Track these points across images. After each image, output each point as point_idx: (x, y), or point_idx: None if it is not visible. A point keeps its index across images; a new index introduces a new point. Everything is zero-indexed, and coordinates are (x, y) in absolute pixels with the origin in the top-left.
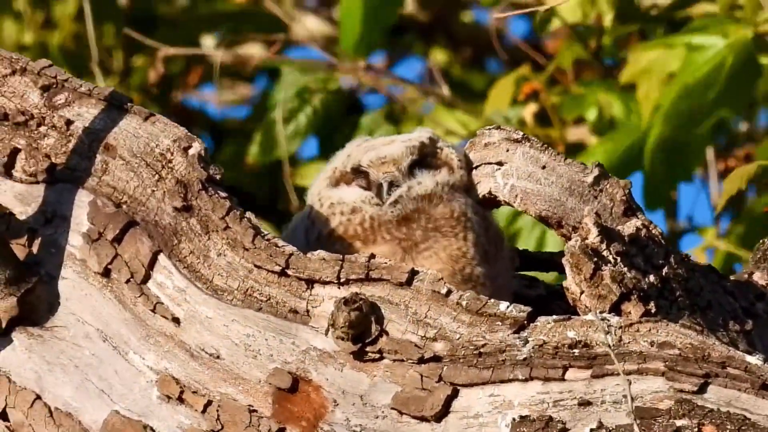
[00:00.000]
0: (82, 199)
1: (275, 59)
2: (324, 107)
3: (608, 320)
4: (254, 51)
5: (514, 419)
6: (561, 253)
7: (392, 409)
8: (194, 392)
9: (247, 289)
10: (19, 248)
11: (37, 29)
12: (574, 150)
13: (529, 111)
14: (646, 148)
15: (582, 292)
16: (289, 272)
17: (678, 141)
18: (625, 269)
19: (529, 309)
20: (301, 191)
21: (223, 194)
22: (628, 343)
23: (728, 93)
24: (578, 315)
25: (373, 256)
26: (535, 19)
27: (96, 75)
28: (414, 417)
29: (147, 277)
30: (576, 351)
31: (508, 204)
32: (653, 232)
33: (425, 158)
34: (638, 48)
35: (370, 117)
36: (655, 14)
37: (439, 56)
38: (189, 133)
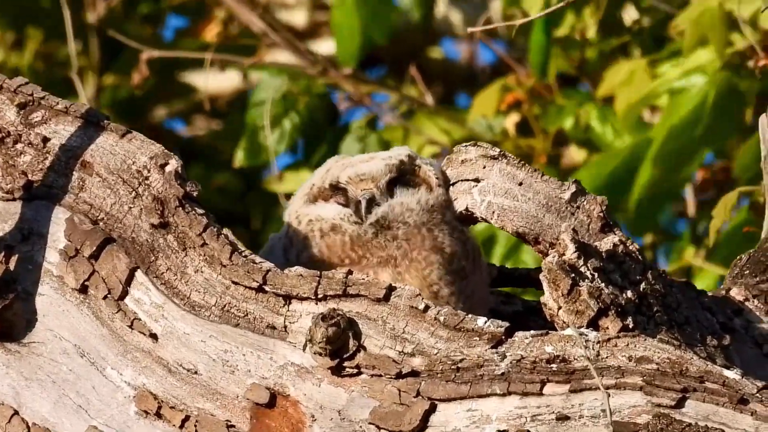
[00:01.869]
0: (59, 216)
1: (258, 65)
2: (309, 111)
3: (586, 335)
4: (229, 81)
5: None
6: (538, 269)
7: (370, 424)
8: (172, 408)
9: (225, 305)
10: None
11: (7, 49)
12: (556, 161)
13: (511, 121)
14: (637, 182)
15: (559, 308)
16: (267, 288)
17: (668, 181)
18: (603, 285)
19: (506, 324)
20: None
21: (200, 211)
22: (606, 357)
23: (714, 127)
24: (556, 330)
25: (350, 272)
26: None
27: (76, 83)
28: None
29: (124, 294)
30: (554, 366)
31: (485, 221)
32: (630, 248)
33: (404, 176)
34: (618, 62)
35: (357, 123)
36: (637, 30)
37: (411, 92)
38: (166, 150)
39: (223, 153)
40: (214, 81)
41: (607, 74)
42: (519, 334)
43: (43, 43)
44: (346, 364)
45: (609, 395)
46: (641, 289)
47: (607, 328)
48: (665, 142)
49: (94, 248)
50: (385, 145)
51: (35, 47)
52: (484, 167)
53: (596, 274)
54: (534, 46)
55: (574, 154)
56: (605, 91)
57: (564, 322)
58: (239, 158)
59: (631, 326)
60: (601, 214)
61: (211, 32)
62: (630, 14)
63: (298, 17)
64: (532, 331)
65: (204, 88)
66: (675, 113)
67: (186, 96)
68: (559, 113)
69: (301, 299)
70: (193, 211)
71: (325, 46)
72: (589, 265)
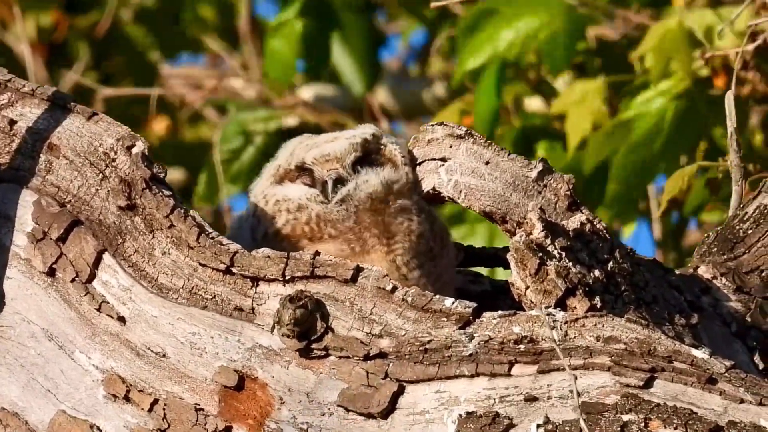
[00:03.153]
0: (27, 199)
1: (219, 98)
2: (265, 146)
3: (554, 315)
4: (176, 176)
5: (460, 415)
6: (506, 249)
7: (339, 406)
8: (140, 391)
9: (192, 288)
10: None
11: None
12: None
13: None
14: (606, 196)
15: (527, 288)
16: (234, 270)
17: (627, 194)
18: (570, 264)
19: (474, 305)
20: None
21: (167, 192)
22: (574, 338)
23: (672, 142)
24: (524, 310)
25: (318, 253)
26: (455, 76)
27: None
28: (360, 414)
29: (92, 276)
30: (522, 346)
31: (452, 200)
32: (598, 226)
33: (369, 155)
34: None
35: None
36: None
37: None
38: (132, 132)
39: None
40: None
41: (563, 92)
42: (487, 315)
43: None
44: (314, 346)
45: (576, 377)
46: (609, 267)
47: (575, 307)
48: (624, 156)
49: (62, 231)
50: None
51: None
52: (451, 146)
53: (564, 253)
54: (480, 115)
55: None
56: (558, 108)
57: (532, 302)
58: (198, 195)
59: (598, 306)
60: (568, 193)
61: (160, 125)
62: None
63: (249, 92)
64: (499, 312)
65: None
66: (635, 132)
67: None
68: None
69: (269, 281)
70: (160, 193)
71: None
72: (556, 244)
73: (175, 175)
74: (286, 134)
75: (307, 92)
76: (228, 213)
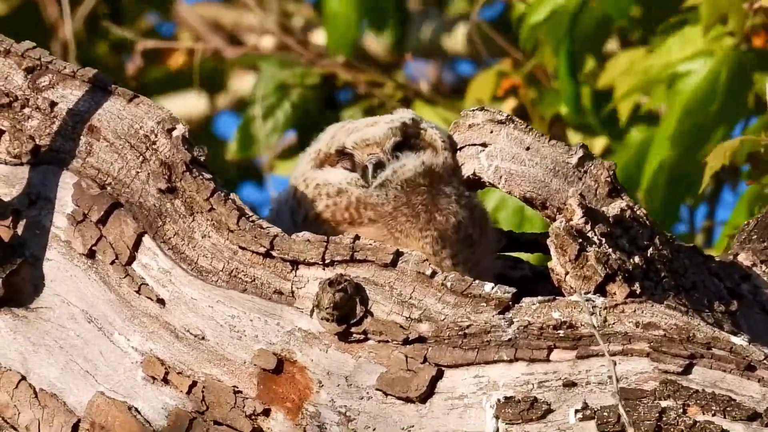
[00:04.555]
0: (67, 181)
1: (253, 54)
2: (302, 102)
3: (593, 301)
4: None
5: (498, 400)
6: (546, 234)
7: (377, 390)
8: (179, 373)
9: (232, 271)
10: (3, 229)
11: None
12: None
13: (508, 107)
14: (647, 169)
15: (567, 273)
16: (274, 253)
17: (685, 163)
18: (610, 250)
19: (513, 290)
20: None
21: (208, 176)
22: (613, 324)
23: (727, 104)
24: (563, 296)
25: (357, 237)
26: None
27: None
28: (399, 398)
29: (132, 259)
30: (561, 332)
31: (493, 185)
32: (638, 213)
33: (409, 139)
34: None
35: (349, 112)
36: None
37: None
38: (173, 115)
39: None
40: (183, 106)
41: (608, 65)
42: (526, 300)
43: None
44: (353, 329)
45: (615, 363)
46: (649, 254)
47: (615, 293)
48: (679, 122)
49: (102, 213)
50: None
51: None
52: (492, 132)
53: (603, 240)
54: (565, 93)
55: (571, 138)
56: (605, 81)
57: (571, 288)
58: (232, 150)
59: (638, 292)
60: (609, 179)
61: (177, 61)
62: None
63: (266, 42)
64: (539, 297)
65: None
66: (684, 93)
67: None
68: (556, 99)
69: (309, 264)
70: (201, 176)
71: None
72: (596, 230)
73: (194, 106)
74: (320, 92)
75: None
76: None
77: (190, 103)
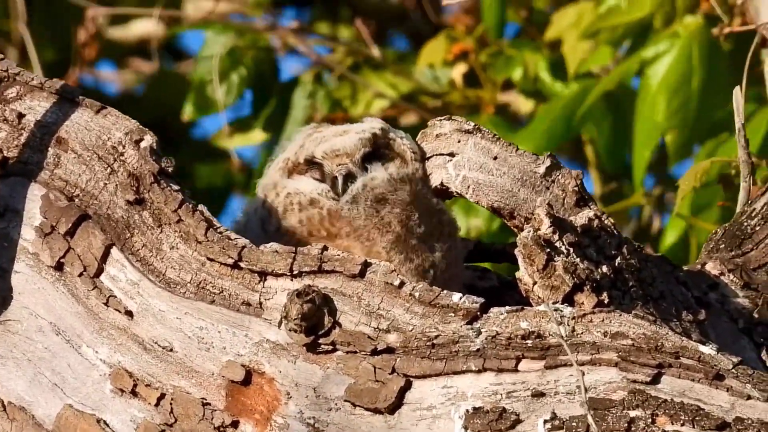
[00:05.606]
0: (35, 193)
1: (204, 20)
2: (256, 65)
3: (561, 311)
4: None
5: (467, 411)
6: (514, 244)
7: (345, 401)
8: (147, 385)
9: (200, 282)
10: None
11: None
12: (503, 112)
13: (458, 71)
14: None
15: (535, 283)
16: (242, 265)
17: (691, 137)
18: (578, 260)
19: (481, 300)
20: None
21: (176, 187)
22: (581, 333)
23: (709, 78)
24: (531, 306)
25: (326, 248)
26: None
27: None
28: (367, 409)
29: (100, 271)
30: (529, 342)
31: (461, 195)
32: (605, 222)
33: (378, 149)
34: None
35: (304, 77)
36: None
37: (344, 33)
38: (140, 126)
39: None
40: (143, 27)
41: (555, 18)
42: (494, 310)
43: None
44: (321, 340)
45: (583, 373)
46: (616, 263)
47: (583, 303)
48: (669, 101)
49: (70, 225)
50: (334, 102)
51: None
52: (459, 141)
53: (571, 249)
54: (487, 8)
55: (522, 104)
56: (553, 34)
57: (539, 298)
58: (188, 112)
59: (606, 301)
60: (576, 189)
61: None
62: None
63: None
64: (507, 307)
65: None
66: (658, 76)
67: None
68: (508, 63)
69: (277, 275)
70: (169, 187)
71: None
72: (564, 240)
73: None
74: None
75: None
76: (226, 132)
77: (147, 25)
